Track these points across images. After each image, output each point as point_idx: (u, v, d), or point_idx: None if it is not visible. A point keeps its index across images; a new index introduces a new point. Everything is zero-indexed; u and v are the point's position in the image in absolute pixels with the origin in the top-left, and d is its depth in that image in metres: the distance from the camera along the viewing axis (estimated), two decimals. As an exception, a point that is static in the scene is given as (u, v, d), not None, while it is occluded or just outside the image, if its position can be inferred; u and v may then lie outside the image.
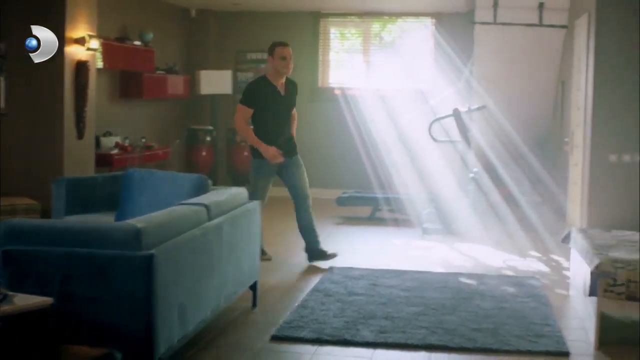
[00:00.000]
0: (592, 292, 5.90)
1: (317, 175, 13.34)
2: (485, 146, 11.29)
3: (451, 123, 11.09)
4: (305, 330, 6.08)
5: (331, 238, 9.83)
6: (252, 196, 7.59)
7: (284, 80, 8.34)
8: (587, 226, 8.62)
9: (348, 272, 8.00)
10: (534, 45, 11.39)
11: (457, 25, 12.67)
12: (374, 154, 12.54)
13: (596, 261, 6.00)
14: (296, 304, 6.81)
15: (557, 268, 8.55)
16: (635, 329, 6.27)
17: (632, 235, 7.27)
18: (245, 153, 12.94)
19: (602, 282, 5.86)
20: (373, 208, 11.50)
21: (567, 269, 8.05)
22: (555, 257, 9.05)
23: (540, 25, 10.88)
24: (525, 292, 7.37)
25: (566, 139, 10.37)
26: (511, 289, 7.49)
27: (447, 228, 10.40)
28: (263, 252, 7.98)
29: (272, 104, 8.27)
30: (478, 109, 11.01)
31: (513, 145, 11.34)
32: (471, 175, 11.02)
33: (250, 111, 8.25)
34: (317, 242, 8.52)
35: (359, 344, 5.85)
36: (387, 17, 13.56)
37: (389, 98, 12.80)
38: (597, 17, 8.78)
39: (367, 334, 6.03)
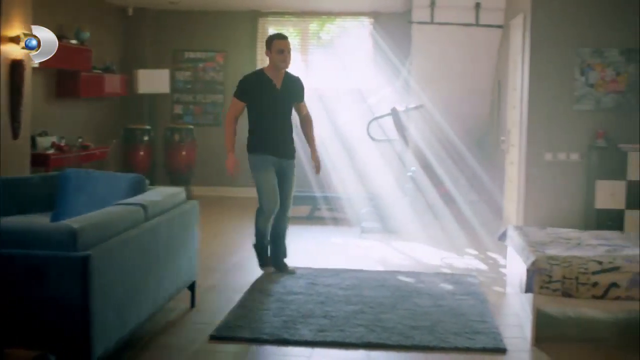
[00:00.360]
0: (528, 289, 5.97)
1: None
2: (423, 145, 11.37)
3: (389, 122, 11.14)
4: (244, 330, 6.06)
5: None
6: (263, 198, 7.70)
7: (282, 75, 7.87)
8: (523, 224, 8.74)
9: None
10: (470, 44, 11.49)
11: (394, 25, 12.73)
12: (310, 153, 12.53)
13: (532, 258, 6.07)
14: (235, 304, 6.78)
15: (494, 265, 8.62)
16: (571, 325, 6.37)
17: (567, 232, 7.36)
18: (184, 152, 12.88)
19: (538, 279, 5.93)
20: (312, 207, 11.51)
21: (504, 267, 8.12)
22: (492, 254, 9.13)
23: (477, 25, 10.98)
24: (462, 290, 7.43)
25: (502, 138, 10.48)
26: (449, 287, 7.55)
27: (386, 227, 10.44)
28: (283, 266, 8.03)
29: (267, 99, 7.78)
30: (416, 108, 11.07)
31: (450, 143, 11.43)
32: (409, 173, 11.08)
33: (242, 105, 7.80)
34: (284, 254, 8.06)
35: (298, 343, 5.85)
36: (325, 17, 13.58)
37: (327, 97, 12.81)
38: (532, 17, 8.89)
39: (305, 333, 6.02)
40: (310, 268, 8.13)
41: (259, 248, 8.01)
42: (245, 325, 6.18)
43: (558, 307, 6.52)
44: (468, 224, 10.54)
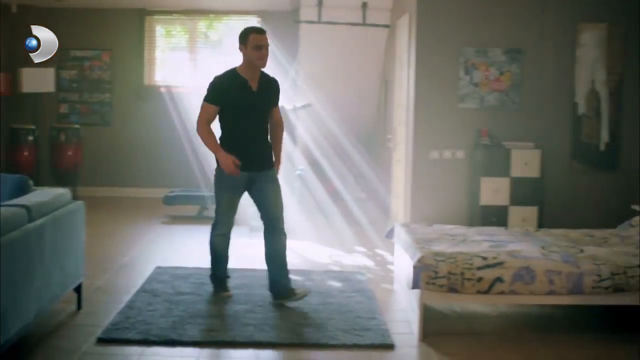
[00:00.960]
0: (415, 285, 6.06)
1: (144, 174, 13.22)
2: (311, 144, 11.41)
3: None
4: (132, 332, 6.00)
5: (159, 238, 9.74)
6: (216, 216, 7.04)
7: (258, 74, 6.84)
8: (410, 221, 8.85)
9: (175, 272, 7.93)
10: (358, 44, 11.57)
11: (282, 24, 12.74)
12: (201, 152, 12.47)
13: (418, 255, 6.16)
14: (122, 305, 6.71)
15: (382, 263, 8.71)
16: (457, 320, 6.48)
17: (452, 229, 7.50)
18: (70, 152, 12.66)
19: (424, 275, 6.03)
20: (200, 206, 11.44)
21: (392, 264, 8.22)
22: (380, 252, 9.22)
23: (364, 24, 11.06)
24: (351, 287, 7.49)
25: (389, 136, 10.59)
26: (337, 284, 7.60)
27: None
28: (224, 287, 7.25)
29: (241, 102, 6.76)
30: (303, 107, 11.11)
31: (338, 142, 11.50)
32: (297, 172, 11.11)
33: (215, 109, 6.76)
34: (286, 278, 7.00)
35: (187, 344, 5.82)
36: (213, 15, 13.51)
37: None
38: (418, 18, 9.01)
39: (194, 333, 6.00)
40: (199, 268, 8.07)
41: (213, 268, 7.24)
42: (133, 326, 6.12)
43: (444, 303, 6.64)
44: (356, 222, 10.62)
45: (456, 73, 9.05)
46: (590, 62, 9.14)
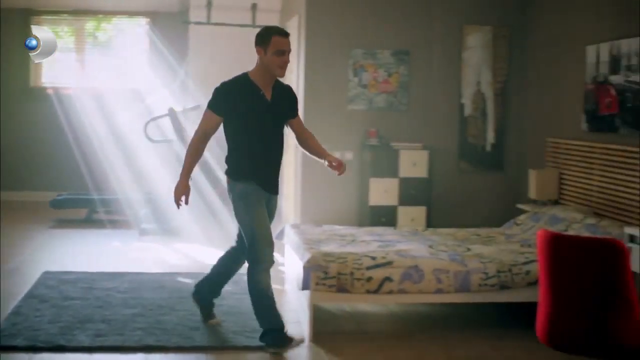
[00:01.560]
0: (305, 286, 6.08)
1: (30, 177, 12.94)
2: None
3: (167, 123, 11.06)
4: (19, 338, 5.88)
5: (46, 242, 9.57)
6: (259, 242, 5.80)
7: (272, 82, 5.87)
8: (300, 222, 8.88)
9: (63, 276, 7.80)
10: (247, 45, 11.50)
11: (172, 25, 12.64)
12: (89, 154, 12.30)
13: (308, 256, 6.19)
14: (8, 311, 6.56)
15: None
16: (348, 320, 6.53)
17: (342, 229, 7.56)
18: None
19: (314, 276, 6.05)
20: (89, 210, 11.28)
21: (282, 265, 8.23)
22: (271, 253, 9.22)
23: (253, 25, 11.05)
24: (241, 289, 7.46)
25: (280, 138, 10.60)
26: (228, 287, 7.54)
27: (164, 228, 10.37)
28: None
29: (254, 113, 5.78)
30: (193, 108, 11.03)
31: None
32: (187, 174, 11.02)
33: (218, 120, 5.78)
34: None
35: (75, 349, 5.72)
36: (101, 16, 13.33)
37: (104, 97, 12.59)
38: (307, 19, 9.05)
39: (83, 339, 5.90)
40: (87, 272, 7.96)
41: (267, 320, 5.86)
42: (20, 333, 5.99)
43: (335, 303, 6.68)
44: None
45: (345, 75, 9.12)
46: (476, 64, 9.33)
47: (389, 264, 6.16)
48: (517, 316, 6.61)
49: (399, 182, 8.95)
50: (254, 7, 11.15)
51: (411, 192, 8.96)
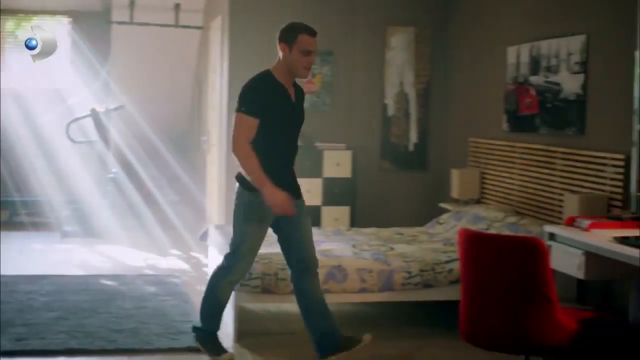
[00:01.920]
0: (229, 287, 6.06)
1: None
2: (124, 146, 11.25)
3: (89, 123, 10.95)
4: (-64, 344, 5.79)
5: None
6: (239, 256, 5.45)
7: (292, 81, 5.50)
8: (224, 223, 8.85)
9: (-17, 280, 7.69)
10: (171, 45, 11.50)
11: (94, 25, 12.49)
12: (9, 156, 12.11)
13: (232, 257, 6.17)
14: None
15: (197, 265, 8.70)
16: (273, 320, 6.55)
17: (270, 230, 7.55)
18: None
19: (238, 277, 6.03)
20: (10, 212, 11.12)
21: (207, 266, 8.21)
22: (195, 254, 9.20)
23: (176, 26, 11.00)
24: (165, 291, 7.45)
25: (204, 138, 10.57)
26: (152, 288, 7.54)
27: (87, 230, 10.26)
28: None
29: (282, 115, 5.38)
30: (116, 109, 10.95)
31: (151, 144, 11.38)
32: (110, 175, 10.95)
33: (256, 124, 5.25)
34: (334, 327, 5.61)
35: (-4, 354, 5.66)
36: (22, 15, 13.13)
37: (25, 98, 12.40)
38: (230, 20, 9.03)
39: (4, 343, 5.82)
40: (8, 276, 7.85)
41: (206, 322, 5.63)
42: (-62, 338, 5.90)
43: (259, 303, 6.67)
44: (171, 224, 10.55)
45: (269, 75, 9.11)
46: (399, 65, 9.40)
47: (313, 264, 6.17)
48: (441, 314, 6.67)
49: (323, 182, 8.97)
50: (177, 7, 11.09)
51: (335, 192, 8.99)
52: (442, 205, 8.73)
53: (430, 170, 9.49)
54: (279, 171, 5.36)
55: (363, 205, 9.27)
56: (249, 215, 5.37)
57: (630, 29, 5.57)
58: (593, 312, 4.89)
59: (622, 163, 6.09)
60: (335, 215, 8.98)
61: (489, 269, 4.25)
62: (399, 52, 9.40)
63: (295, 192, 5.50)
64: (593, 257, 4.88)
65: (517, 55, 7.76)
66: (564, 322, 4.18)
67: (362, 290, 6.22)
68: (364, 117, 9.36)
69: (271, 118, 5.28)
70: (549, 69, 7.19)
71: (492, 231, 6.91)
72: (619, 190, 6.11)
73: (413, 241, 7.22)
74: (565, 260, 5.04)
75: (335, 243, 6.92)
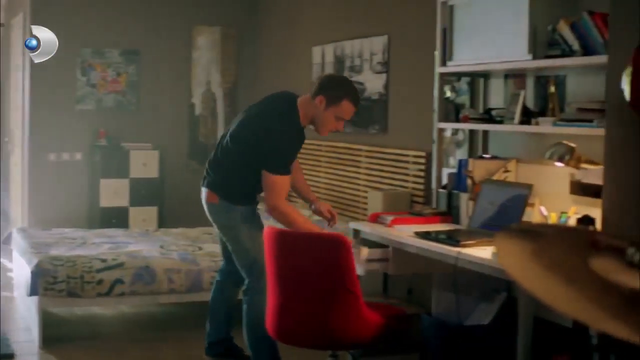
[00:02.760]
0: (33, 292, 5.91)
1: None
2: None
3: None
4: None
5: None
6: (259, 268, 4.88)
7: None
8: (28, 225, 8.63)
9: None
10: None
11: None
12: None
13: (35, 260, 6.03)
14: None
15: (2, 270, 8.44)
16: (81, 324, 6.43)
17: (72, 232, 7.43)
18: None
19: (42, 281, 5.90)
20: None
21: (11, 270, 7.98)
22: (-2, 259, 8.93)
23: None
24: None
25: (6, 139, 10.27)
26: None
27: None
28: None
29: (294, 158, 5.18)
30: None
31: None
32: None
33: (290, 178, 5.05)
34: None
35: None
36: None
37: None
38: (32, 17, 8.81)
39: None
40: None
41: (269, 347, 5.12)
42: None
43: (65, 307, 6.53)
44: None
45: (73, 74, 8.94)
46: (206, 64, 9.40)
47: (119, 265, 6.11)
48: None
49: (130, 183, 8.87)
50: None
51: (142, 193, 8.90)
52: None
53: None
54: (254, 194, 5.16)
55: (171, 205, 9.22)
56: (253, 228, 5.08)
57: (430, 30, 5.75)
58: (398, 306, 5.04)
59: (423, 160, 6.29)
60: (143, 216, 8.89)
61: (294, 266, 4.30)
62: (205, 52, 9.40)
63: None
64: (396, 252, 5.02)
65: (322, 55, 7.89)
66: (369, 317, 4.28)
67: (171, 291, 6.19)
68: (170, 116, 9.31)
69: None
70: (352, 69, 7.35)
71: (300, 229, 7.00)
72: (421, 186, 6.31)
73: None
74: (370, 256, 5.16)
75: (142, 244, 6.86)
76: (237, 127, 5.08)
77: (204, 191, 5.23)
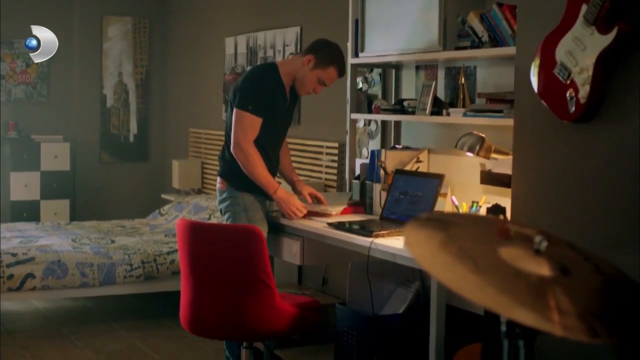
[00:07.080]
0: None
1: None
2: None
3: None
4: None
5: None
6: None
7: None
8: None
9: None
10: None
11: None
12: None
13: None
14: None
15: None
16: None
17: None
18: None
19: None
20: None
21: None
22: None
23: None
24: None
25: None
26: None
27: None
28: None
29: (277, 116, 4.98)
30: None
31: None
32: None
33: (260, 123, 4.84)
34: None
35: None
36: None
37: None
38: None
39: None
40: None
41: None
42: None
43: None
44: None
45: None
46: (117, 55, 9.30)
47: (30, 260, 6.02)
48: (165, 306, 6.67)
49: (41, 176, 8.73)
50: None
51: (53, 186, 8.77)
52: (164, 196, 8.72)
53: (152, 161, 9.46)
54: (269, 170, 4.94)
55: (83, 198, 9.11)
56: (251, 220, 4.84)
57: (342, 21, 5.77)
58: (312, 297, 5.05)
59: (337, 151, 6.32)
60: (55, 209, 8.77)
61: (208, 258, 4.28)
62: (116, 42, 9.30)
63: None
64: (309, 243, 5.03)
65: (235, 46, 7.87)
66: (283, 308, 4.28)
67: (83, 285, 6.12)
68: (82, 108, 9.19)
69: (269, 119, 4.88)
70: (265, 60, 7.34)
71: (214, 221, 6.98)
72: (334, 177, 6.34)
73: (135, 233, 7.17)
74: (284, 247, 5.16)
75: (54, 237, 6.76)
76: (229, 108, 5.01)
77: (217, 181, 5.07)
